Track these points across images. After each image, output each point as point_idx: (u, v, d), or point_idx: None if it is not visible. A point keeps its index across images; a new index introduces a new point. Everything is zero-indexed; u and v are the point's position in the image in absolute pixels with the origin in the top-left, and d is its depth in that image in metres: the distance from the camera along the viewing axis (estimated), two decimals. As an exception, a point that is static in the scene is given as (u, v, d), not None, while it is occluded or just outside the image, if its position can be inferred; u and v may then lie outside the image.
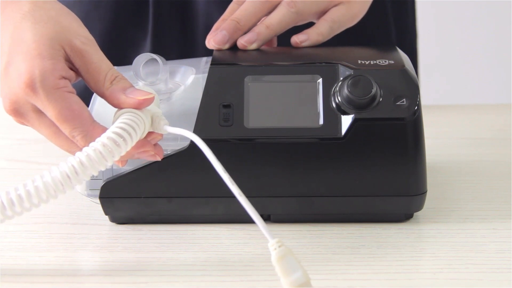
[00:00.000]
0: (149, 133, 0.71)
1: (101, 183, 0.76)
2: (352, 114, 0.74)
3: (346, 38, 0.94)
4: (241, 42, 0.83)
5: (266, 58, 0.82)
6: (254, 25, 0.84)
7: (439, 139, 1.03)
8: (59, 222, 0.79)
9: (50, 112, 0.68)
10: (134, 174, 0.75)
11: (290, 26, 0.85)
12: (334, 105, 0.75)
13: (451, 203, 0.82)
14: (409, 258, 0.71)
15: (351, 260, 0.70)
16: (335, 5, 0.87)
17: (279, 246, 0.62)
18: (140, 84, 0.75)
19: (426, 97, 0.96)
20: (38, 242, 0.75)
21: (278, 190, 0.75)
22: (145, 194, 0.76)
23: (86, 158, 0.65)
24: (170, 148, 0.75)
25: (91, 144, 0.66)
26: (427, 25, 1.77)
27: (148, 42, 1.06)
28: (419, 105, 0.75)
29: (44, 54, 0.68)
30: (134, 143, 0.68)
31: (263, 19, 0.85)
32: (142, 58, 0.76)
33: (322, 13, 0.86)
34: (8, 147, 1.03)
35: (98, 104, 0.78)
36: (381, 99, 0.75)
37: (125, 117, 0.68)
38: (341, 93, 0.75)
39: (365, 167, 0.75)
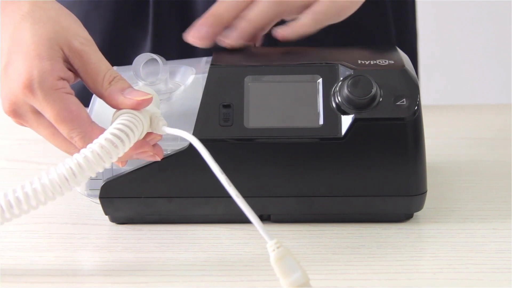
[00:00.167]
0: (148, 134, 0.71)
1: (101, 183, 0.76)
2: (352, 114, 0.74)
3: (346, 38, 0.94)
4: (220, 37, 0.81)
5: (266, 58, 0.82)
6: (234, 19, 0.82)
7: (439, 139, 1.03)
8: (59, 222, 0.79)
9: (48, 113, 0.68)
10: (134, 174, 0.75)
11: (273, 20, 0.82)
12: (334, 105, 0.75)
13: (451, 203, 0.82)
14: (409, 258, 0.71)
15: (351, 260, 0.70)
16: None
17: (278, 247, 0.62)
18: (140, 84, 0.75)
19: (426, 97, 0.96)
20: (38, 242, 0.75)
21: (278, 190, 0.75)
22: (145, 194, 0.76)
23: (84, 159, 0.65)
24: (170, 148, 0.75)
25: (89, 145, 0.66)
26: (427, 25, 1.76)
27: (148, 42, 1.06)
28: (419, 105, 0.75)
29: (42, 54, 0.68)
30: (132, 144, 0.67)
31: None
32: (142, 58, 0.76)
33: (307, 7, 0.84)
34: (8, 147, 1.03)
35: (97, 105, 0.77)
36: (381, 99, 0.75)
37: (123, 118, 0.68)
38: (341, 93, 0.75)
39: (365, 167, 0.75)
